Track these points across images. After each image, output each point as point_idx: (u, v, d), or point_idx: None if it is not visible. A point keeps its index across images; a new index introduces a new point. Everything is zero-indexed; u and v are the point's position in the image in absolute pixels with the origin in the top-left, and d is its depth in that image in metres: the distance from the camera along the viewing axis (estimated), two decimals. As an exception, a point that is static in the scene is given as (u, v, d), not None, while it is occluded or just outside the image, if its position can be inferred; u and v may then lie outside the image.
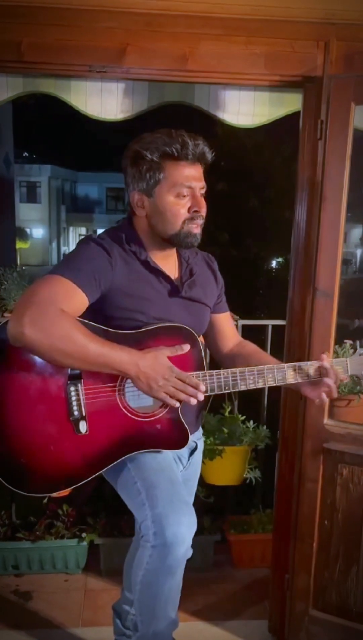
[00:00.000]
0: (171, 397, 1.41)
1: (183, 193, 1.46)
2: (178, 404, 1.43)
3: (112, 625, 1.85)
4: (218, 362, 1.78)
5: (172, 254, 1.59)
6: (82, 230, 31.98)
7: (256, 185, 9.52)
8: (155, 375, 1.38)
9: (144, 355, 1.39)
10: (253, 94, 2.05)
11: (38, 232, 30.76)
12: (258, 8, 1.76)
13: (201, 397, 1.42)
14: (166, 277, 1.54)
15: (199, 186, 1.49)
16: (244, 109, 2.07)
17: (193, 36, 1.77)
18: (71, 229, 32.76)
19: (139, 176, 1.48)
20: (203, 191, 1.50)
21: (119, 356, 1.36)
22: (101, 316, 1.44)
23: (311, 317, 1.87)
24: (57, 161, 31.13)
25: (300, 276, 1.93)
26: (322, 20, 1.78)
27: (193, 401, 1.42)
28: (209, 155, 1.49)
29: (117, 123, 2.13)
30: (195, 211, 1.47)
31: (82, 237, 1.72)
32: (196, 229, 1.50)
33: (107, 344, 1.36)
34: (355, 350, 1.61)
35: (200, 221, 1.50)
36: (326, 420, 1.93)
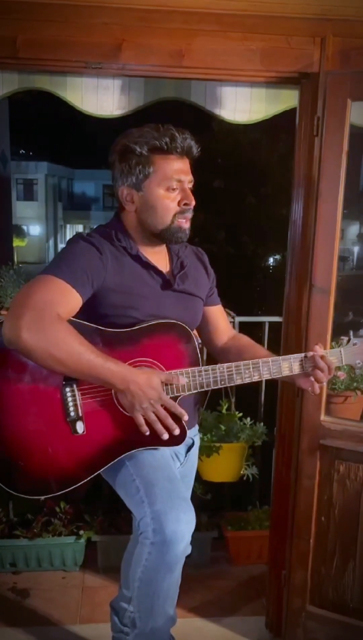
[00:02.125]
0: (147, 422, 1.42)
1: (172, 186, 1.47)
2: (148, 432, 1.43)
3: (109, 622, 1.85)
4: (213, 355, 1.78)
5: (162, 248, 1.60)
6: (80, 228, 31.91)
7: (253, 182, 9.51)
8: (141, 396, 1.38)
9: (137, 375, 1.39)
10: (250, 90, 2.05)
11: (35, 229, 30.70)
12: (254, 4, 1.75)
13: (166, 436, 1.43)
14: (158, 271, 1.54)
15: (188, 179, 1.50)
16: (241, 105, 2.07)
17: (189, 32, 1.76)
18: (68, 226, 32.70)
19: (128, 170, 1.48)
20: (191, 185, 1.51)
21: (110, 370, 1.36)
22: (95, 314, 1.44)
23: (308, 313, 1.87)
24: (54, 158, 31.07)
25: (297, 273, 1.93)
26: (318, 16, 1.77)
27: (165, 436, 1.42)
28: (196, 149, 1.50)
29: (113, 120, 2.13)
30: (185, 204, 1.48)
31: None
32: (186, 223, 1.51)
33: (102, 356, 1.35)
34: (349, 341, 1.61)
35: (189, 215, 1.51)
36: (323, 417, 1.93)
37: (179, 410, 1.43)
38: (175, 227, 1.49)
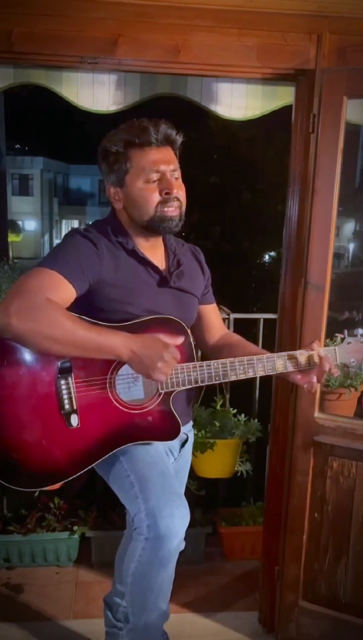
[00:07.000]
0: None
1: (152, 178, 1.47)
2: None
3: (103, 617, 1.86)
4: (204, 354, 1.79)
5: (159, 245, 1.60)
6: (75, 223, 31.82)
7: (248, 178, 9.49)
8: (151, 354, 1.35)
9: (137, 337, 1.38)
10: (246, 86, 2.05)
11: (30, 225, 30.59)
12: (251, 0, 1.75)
13: None
14: (154, 268, 1.54)
15: (170, 169, 1.49)
16: (237, 101, 2.07)
17: (185, 28, 1.76)
18: (63, 221, 32.60)
19: (109, 170, 1.51)
20: (176, 174, 1.50)
21: (110, 339, 1.35)
22: (91, 309, 1.44)
23: (303, 310, 1.87)
24: (49, 153, 30.95)
25: (292, 270, 1.93)
26: (315, 13, 1.77)
27: None
28: (175, 137, 1.50)
29: (110, 115, 2.12)
30: (166, 193, 1.47)
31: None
32: (172, 212, 1.48)
33: (96, 328, 1.36)
34: (344, 339, 1.61)
35: (175, 203, 1.49)
36: (317, 414, 1.94)
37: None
38: (159, 216, 1.48)
